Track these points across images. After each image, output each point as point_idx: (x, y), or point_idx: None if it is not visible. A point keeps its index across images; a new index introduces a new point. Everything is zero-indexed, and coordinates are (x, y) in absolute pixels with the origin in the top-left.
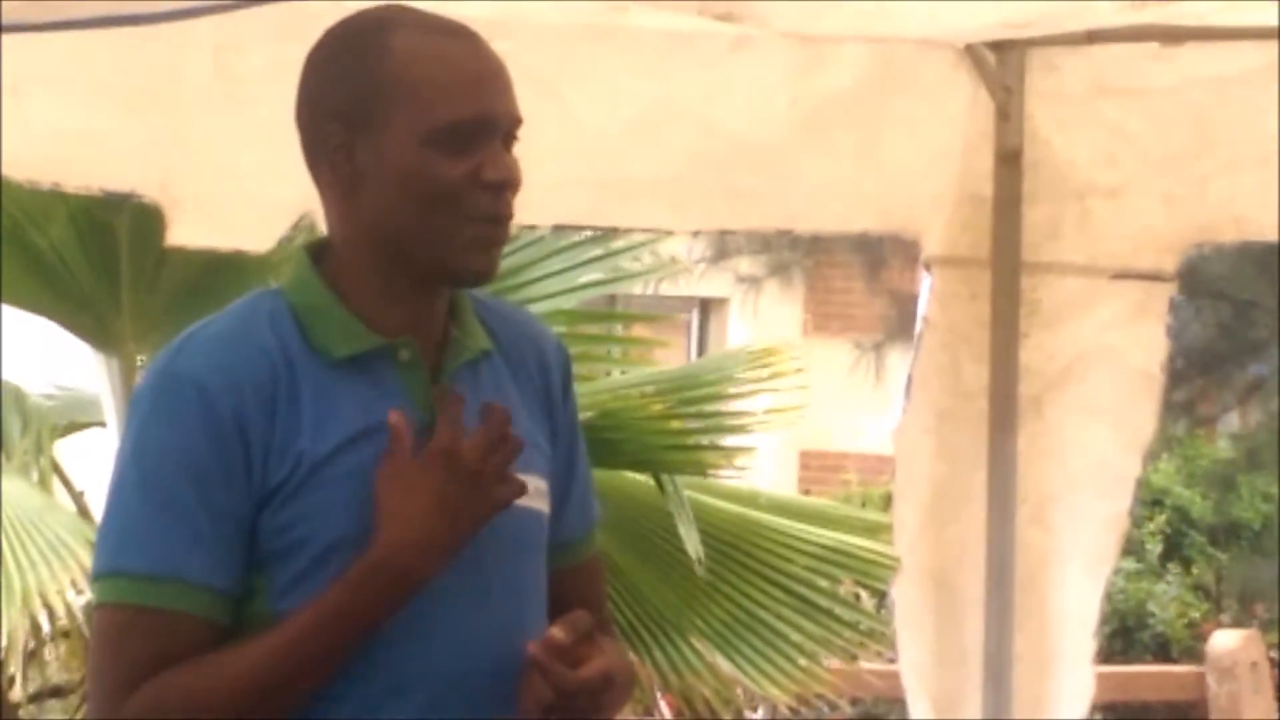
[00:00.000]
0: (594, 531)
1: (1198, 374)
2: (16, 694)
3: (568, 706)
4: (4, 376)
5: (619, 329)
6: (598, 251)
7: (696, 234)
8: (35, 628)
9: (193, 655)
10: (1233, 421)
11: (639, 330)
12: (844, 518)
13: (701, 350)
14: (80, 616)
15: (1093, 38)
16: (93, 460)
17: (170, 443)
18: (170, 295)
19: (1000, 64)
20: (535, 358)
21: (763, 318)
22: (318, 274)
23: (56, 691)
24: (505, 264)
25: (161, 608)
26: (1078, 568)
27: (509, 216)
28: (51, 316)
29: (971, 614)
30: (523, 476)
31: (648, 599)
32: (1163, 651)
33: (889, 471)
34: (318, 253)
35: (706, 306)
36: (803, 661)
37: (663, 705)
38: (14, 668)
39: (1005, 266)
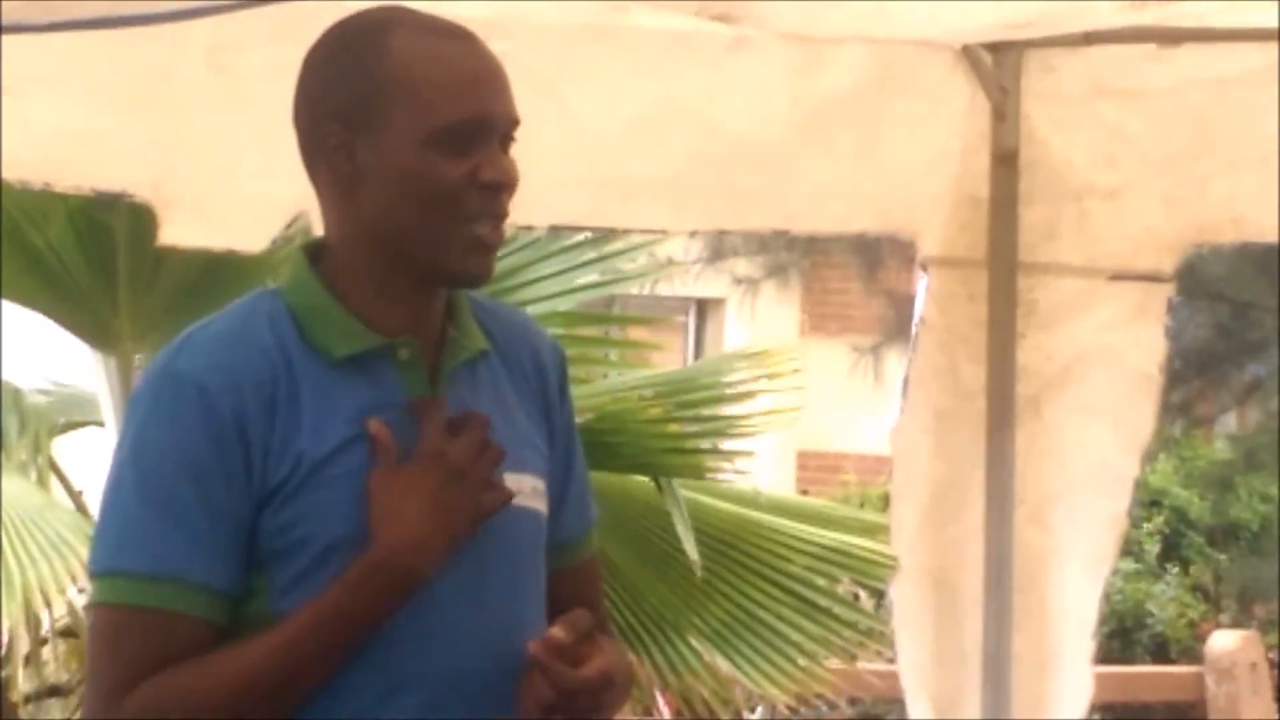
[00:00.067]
0: (591, 532)
1: (1195, 375)
2: (17, 693)
3: (568, 706)
4: (3, 376)
5: (616, 330)
6: (594, 253)
7: (694, 234)
8: (36, 624)
9: (190, 656)
10: (1230, 422)
11: (636, 331)
12: (842, 518)
13: (698, 351)
14: (81, 615)
15: (1090, 39)
16: (90, 459)
17: (170, 442)
18: (168, 295)
19: (997, 65)
20: (531, 358)
21: (760, 318)
22: (315, 274)
23: (55, 691)
24: (502, 265)
25: (160, 608)
26: (1076, 568)
27: (505, 217)
28: (50, 315)
29: (970, 614)
30: (520, 476)
31: (646, 598)
32: (1161, 652)
33: (887, 472)
34: (315, 253)
35: (703, 307)
36: (802, 661)
37: (662, 705)
38: (18, 661)
39: (1002, 267)
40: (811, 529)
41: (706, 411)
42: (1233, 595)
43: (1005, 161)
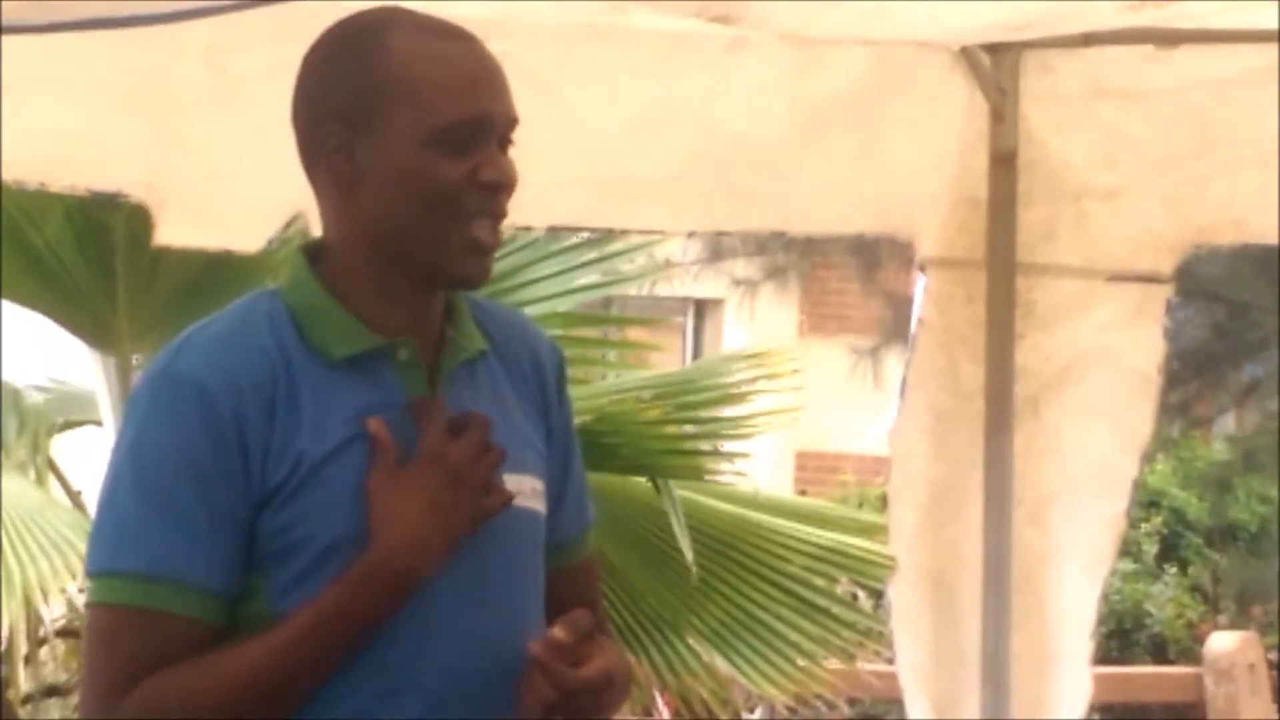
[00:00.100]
0: (589, 532)
1: (1194, 376)
2: (16, 691)
3: (570, 706)
4: (2, 376)
5: (615, 331)
6: (593, 254)
7: (692, 235)
8: (36, 621)
9: (187, 656)
10: (1229, 423)
11: (635, 332)
12: (841, 518)
13: (697, 352)
14: (81, 614)
15: (1089, 40)
16: (89, 459)
17: (169, 442)
18: (167, 295)
19: (995, 66)
20: (530, 359)
21: (758, 319)
22: (315, 275)
23: (54, 691)
24: (501, 266)
25: (157, 609)
26: (1075, 568)
27: (503, 217)
28: (48, 315)
29: (969, 614)
30: (519, 477)
31: (645, 599)
32: (1160, 653)
33: (885, 472)
34: (314, 254)
35: (701, 308)
36: (800, 661)
37: (661, 705)
38: (19, 660)
39: (1001, 268)
40: (810, 529)
41: (705, 413)
42: (1231, 596)
43: (1004, 162)
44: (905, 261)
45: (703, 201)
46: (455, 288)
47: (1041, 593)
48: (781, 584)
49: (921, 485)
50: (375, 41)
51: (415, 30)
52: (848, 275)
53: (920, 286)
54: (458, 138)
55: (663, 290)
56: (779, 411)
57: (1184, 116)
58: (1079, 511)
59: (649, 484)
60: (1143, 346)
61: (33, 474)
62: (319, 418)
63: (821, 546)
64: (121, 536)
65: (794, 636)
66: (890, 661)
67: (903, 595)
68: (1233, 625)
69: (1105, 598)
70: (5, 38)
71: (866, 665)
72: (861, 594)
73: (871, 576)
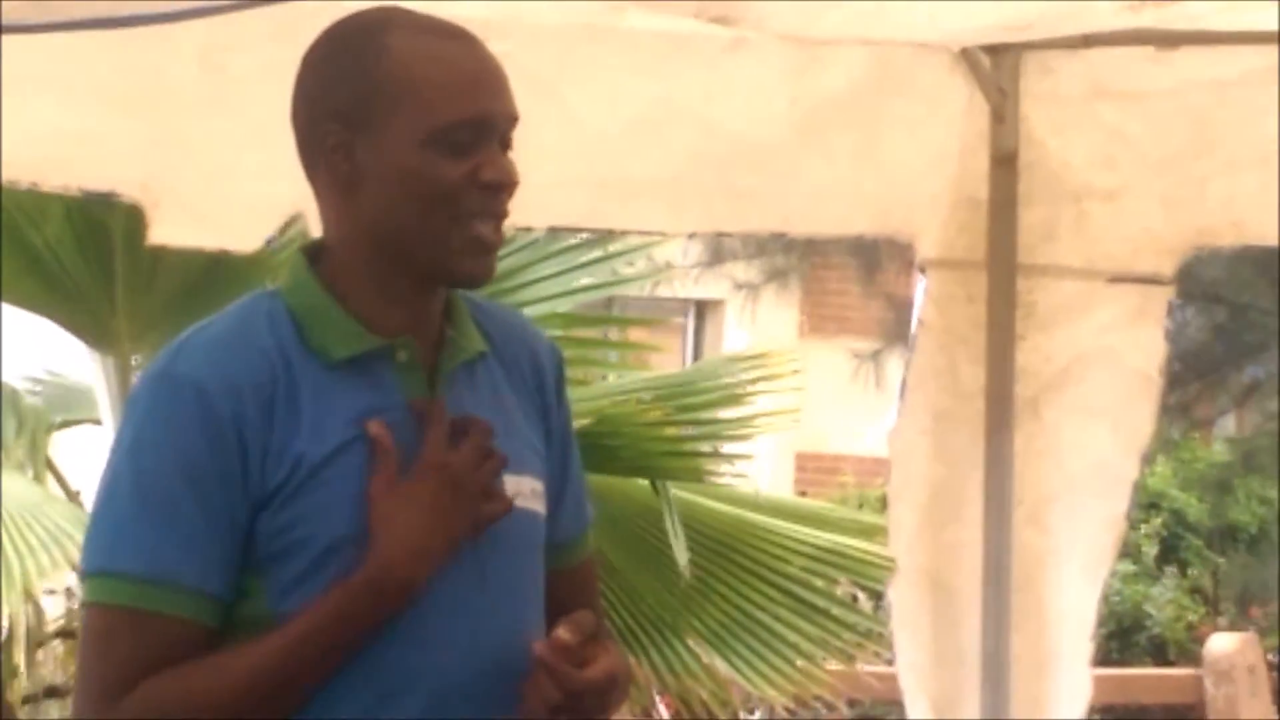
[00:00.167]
0: (588, 533)
1: (1194, 377)
2: (18, 691)
3: (574, 706)
4: (1, 376)
5: (615, 332)
6: (594, 254)
7: (693, 236)
8: (36, 623)
9: (182, 658)
10: (1229, 425)
11: (635, 333)
12: (841, 519)
13: (697, 353)
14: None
15: (1089, 41)
16: (87, 459)
17: (168, 443)
18: (166, 295)
19: (995, 67)
20: (529, 359)
21: (758, 320)
22: (314, 275)
23: (54, 692)
24: (502, 266)
25: (153, 610)
26: (1075, 569)
27: (505, 217)
28: (47, 314)
29: (969, 615)
30: (519, 478)
31: (644, 600)
32: (1160, 654)
33: (885, 473)
34: (314, 254)
35: (702, 309)
36: (800, 663)
37: (660, 706)
38: (19, 658)
39: (1001, 269)
40: (810, 531)
41: (705, 414)
42: (1231, 597)
43: (1004, 163)
44: (905, 264)
45: (702, 202)
46: (458, 286)
47: (1041, 594)
48: (781, 585)
49: (921, 486)
50: (375, 41)
51: (415, 30)
52: (848, 276)
53: (920, 287)
54: (458, 138)
55: (663, 291)
56: (779, 413)
57: (1184, 117)
58: (1079, 512)
59: (649, 485)
60: (1143, 348)
61: (31, 473)
62: (319, 419)
63: (821, 548)
64: (118, 537)
65: (793, 638)
66: (890, 663)
67: (902, 596)
68: (1232, 627)
69: (1105, 599)
70: (4, 38)
71: (866, 666)
72: (861, 595)
73: (871, 578)
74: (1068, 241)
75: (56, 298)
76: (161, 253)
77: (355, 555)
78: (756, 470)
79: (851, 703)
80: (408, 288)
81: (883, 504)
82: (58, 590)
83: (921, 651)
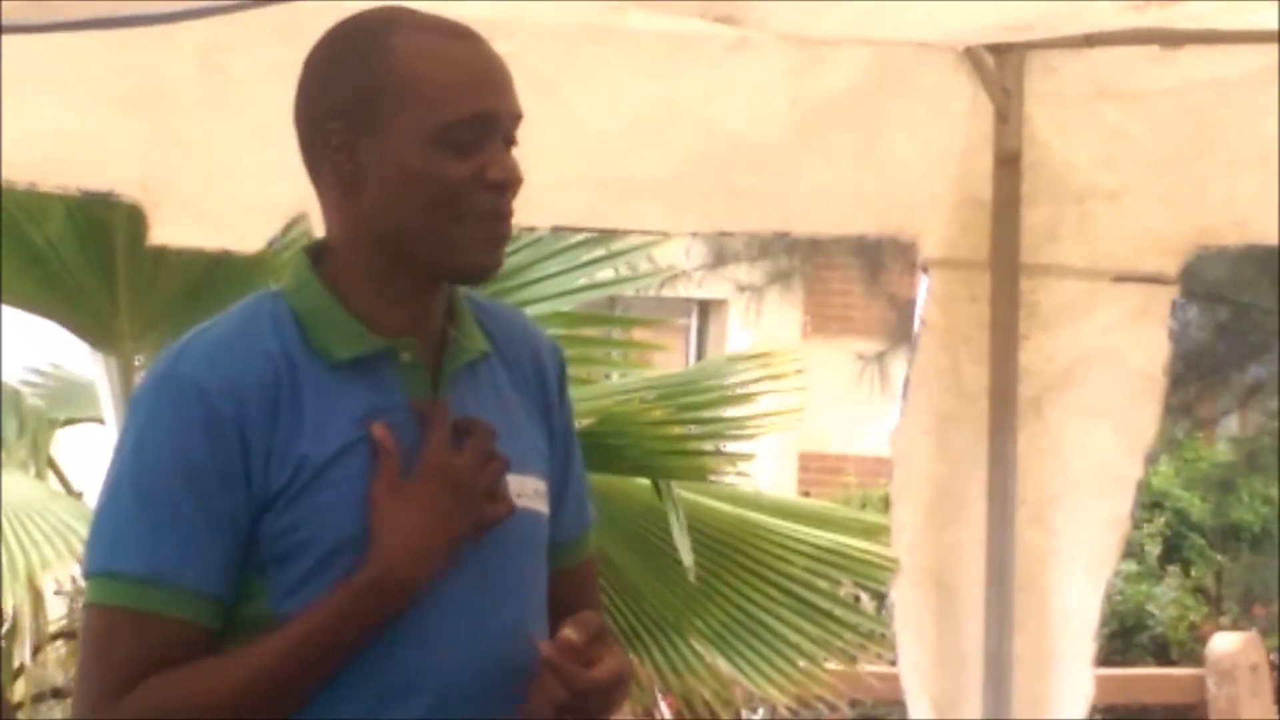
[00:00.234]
0: (589, 533)
1: (1197, 377)
2: (25, 692)
3: (580, 706)
4: (2, 378)
5: (618, 332)
6: (597, 253)
7: (695, 236)
8: (39, 612)
9: (183, 660)
10: (1232, 424)
11: (638, 333)
12: (843, 520)
13: (700, 353)
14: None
15: (1092, 41)
16: (90, 460)
17: (170, 445)
18: (169, 294)
19: (999, 66)
20: (531, 359)
21: (762, 320)
22: (317, 276)
23: (56, 693)
24: (505, 265)
25: (154, 612)
26: (1078, 569)
27: (511, 215)
28: (49, 315)
29: (971, 615)
30: (522, 478)
31: (647, 600)
32: (1162, 654)
33: (888, 474)
34: (317, 255)
35: (705, 309)
36: (802, 663)
37: (663, 706)
38: (22, 657)
39: (1004, 268)
40: (812, 531)
41: (708, 413)
42: (1234, 597)
43: (1008, 163)
44: (908, 264)
45: (704, 202)
46: (468, 281)
47: (1044, 594)
48: (783, 585)
49: (924, 486)
50: (379, 40)
51: (419, 29)
52: (851, 277)
53: (923, 287)
54: (463, 136)
55: (667, 291)
56: (782, 413)
57: (1185, 117)
58: (1082, 512)
59: (651, 485)
60: (1147, 347)
61: (33, 472)
62: (322, 420)
63: (823, 548)
64: (120, 538)
65: (796, 638)
66: (892, 663)
67: (905, 596)
68: (1235, 626)
69: (1108, 599)
70: (4, 38)
71: (868, 667)
72: (864, 596)
73: (874, 578)
74: (1071, 241)
75: (58, 297)
76: (163, 252)
77: (358, 557)
78: (759, 470)
79: (853, 703)
80: (411, 288)
81: (886, 504)
82: (62, 591)
83: (924, 652)
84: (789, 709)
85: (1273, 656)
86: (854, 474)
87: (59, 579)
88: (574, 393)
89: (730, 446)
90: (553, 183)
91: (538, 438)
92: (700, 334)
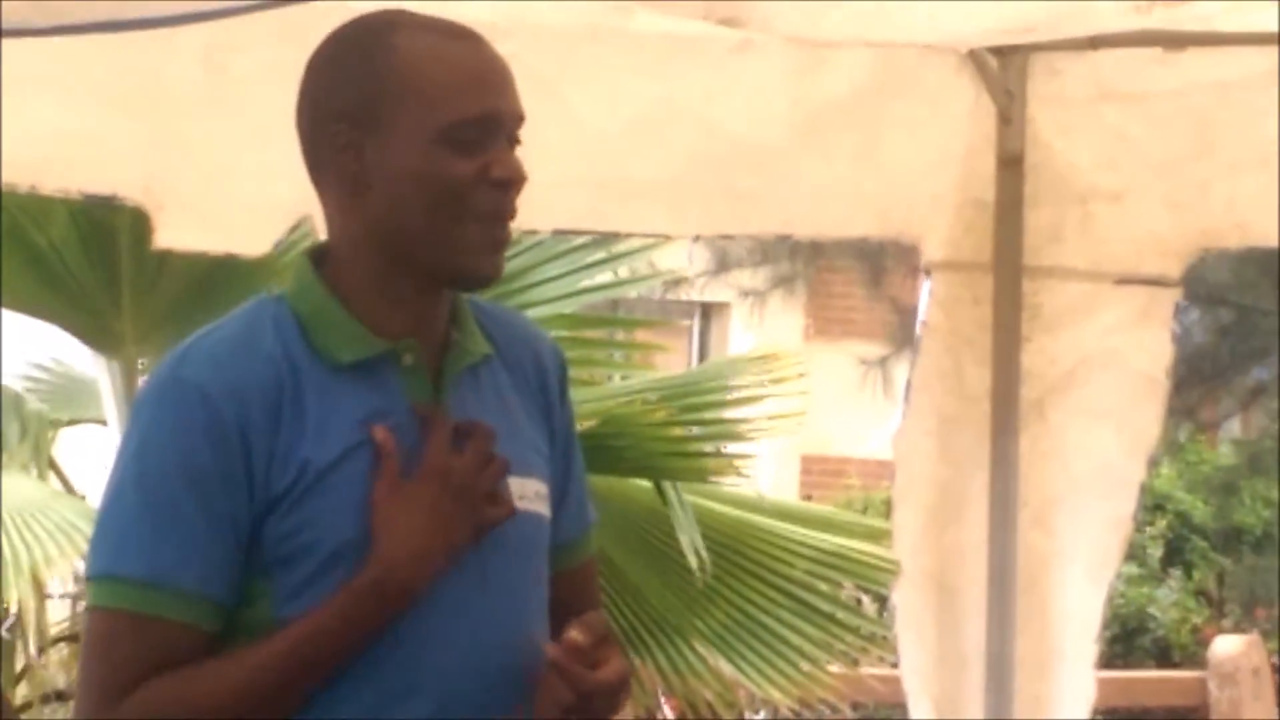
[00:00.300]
0: (590, 534)
1: (1199, 379)
2: (36, 689)
3: (586, 708)
4: (4, 381)
5: (620, 334)
6: (600, 255)
7: (696, 238)
8: (41, 615)
9: (184, 662)
10: (1234, 427)
11: (641, 335)
12: (845, 523)
13: (703, 355)
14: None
15: (1095, 43)
16: (92, 462)
17: (172, 448)
18: (172, 297)
19: (1002, 68)
20: (532, 361)
21: (764, 322)
22: (319, 279)
23: (59, 695)
24: (507, 268)
25: (156, 615)
26: (1080, 571)
27: (513, 214)
28: (51, 318)
29: (973, 617)
30: (524, 480)
31: (650, 602)
32: (1164, 656)
33: (890, 476)
34: (319, 258)
35: (708, 311)
36: (804, 665)
37: (666, 708)
38: (27, 657)
39: (1007, 270)
40: (814, 534)
41: (710, 415)
42: (1236, 600)
43: (1010, 165)
44: (911, 268)
45: (704, 204)
46: (468, 286)
47: (1046, 596)
48: (785, 588)
49: (926, 488)
50: (381, 41)
51: (421, 30)
52: (853, 280)
53: (925, 289)
54: (467, 136)
55: (669, 295)
56: (784, 415)
57: (1187, 119)
58: (1084, 514)
59: (654, 487)
60: (1149, 350)
61: (34, 474)
62: (324, 423)
63: (825, 551)
64: (122, 541)
65: (798, 640)
66: (894, 666)
67: (907, 599)
68: (1237, 629)
69: (1109, 601)
70: (5, 40)
71: (870, 669)
72: (865, 598)
73: (876, 581)
74: (1073, 243)
75: (60, 300)
76: (167, 254)
77: (360, 560)
78: (761, 472)
79: (855, 705)
80: (413, 290)
81: (888, 507)
82: (65, 594)
83: (925, 654)
84: (791, 711)
85: (1275, 659)
86: (856, 476)
87: (62, 580)
88: (576, 394)
89: (732, 448)
90: (553, 183)
91: (539, 440)
92: (703, 336)
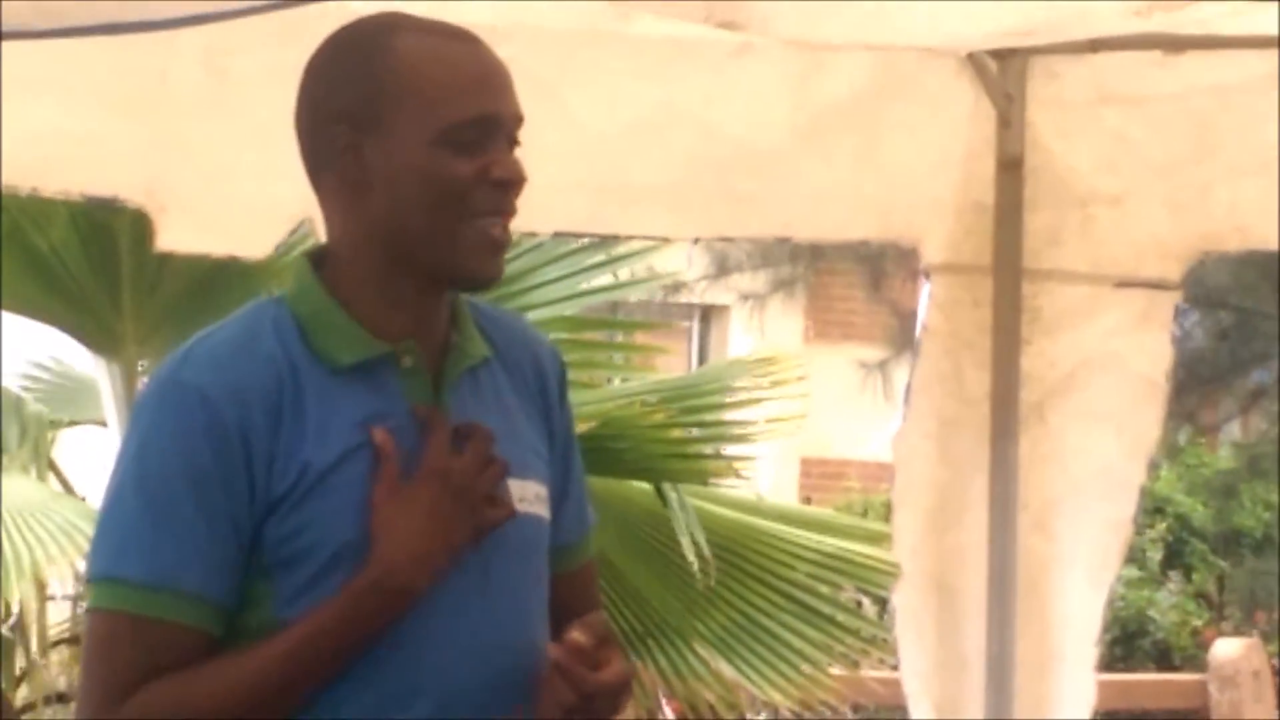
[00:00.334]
0: (589, 536)
1: (1199, 382)
2: (38, 690)
3: (588, 708)
4: (3, 382)
5: (620, 336)
6: (600, 258)
7: (696, 241)
8: (42, 617)
9: (185, 665)
10: (1234, 430)
11: (640, 337)
12: (846, 527)
13: (703, 357)
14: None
15: (1095, 46)
16: (91, 461)
17: (173, 451)
18: (172, 299)
19: (1002, 72)
20: (531, 363)
21: (764, 324)
22: (318, 281)
23: (60, 697)
24: (508, 270)
25: (156, 617)
26: (1080, 574)
27: (513, 215)
28: (52, 320)
29: (973, 620)
30: (524, 483)
31: (651, 604)
32: (1164, 659)
33: (890, 479)
34: (318, 260)
35: (708, 314)
36: (805, 668)
37: (667, 709)
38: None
39: (1007, 273)
40: (815, 536)
41: (710, 417)
42: (1236, 603)
43: (1010, 168)
44: (911, 272)
45: (704, 207)
46: (469, 287)
47: (1046, 599)
48: (786, 591)
49: (926, 491)
50: (381, 43)
51: (420, 32)
52: (853, 282)
53: (925, 292)
54: (467, 136)
55: (669, 298)
56: (784, 418)
57: (1187, 122)
58: (1084, 517)
59: (653, 489)
60: (1150, 353)
61: (34, 475)
62: (324, 425)
63: (826, 553)
64: (123, 543)
65: (798, 643)
66: (894, 668)
67: (907, 601)
68: (1237, 632)
69: (1109, 604)
70: (5, 42)
71: (870, 672)
72: (866, 601)
73: (876, 583)
74: (1073, 246)
75: (61, 302)
76: (167, 257)
77: (360, 562)
78: (761, 475)
79: (856, 707)
80: (414, 291)
81: (888, 509)
82: (65, 596)
83: (926, 656)
84: (792, 712)
85: (1275, 662)
86: (856, 479)
87: (62, 581)
88: (576, 397)
89: (732, 450)
90: (553, 186)
91: (538, 442)
92: (702, 338)
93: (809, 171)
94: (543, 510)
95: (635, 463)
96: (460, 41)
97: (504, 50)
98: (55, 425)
